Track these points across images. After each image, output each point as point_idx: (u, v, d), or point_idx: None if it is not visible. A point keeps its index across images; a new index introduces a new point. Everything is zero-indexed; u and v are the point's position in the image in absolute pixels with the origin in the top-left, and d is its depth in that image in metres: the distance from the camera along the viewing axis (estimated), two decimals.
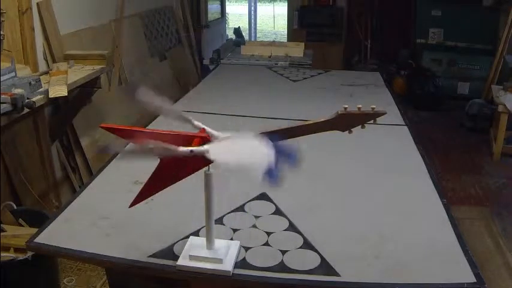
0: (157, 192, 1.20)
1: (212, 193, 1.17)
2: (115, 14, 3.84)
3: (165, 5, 5.05)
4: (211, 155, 1.05)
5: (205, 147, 1.07)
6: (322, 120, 1.11)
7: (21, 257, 2.04)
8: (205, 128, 1.15)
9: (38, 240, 1.31)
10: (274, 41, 7.26)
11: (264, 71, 3.46)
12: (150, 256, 1.23)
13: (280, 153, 1.02)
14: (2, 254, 2.03)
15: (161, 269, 1.20)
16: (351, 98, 2.72)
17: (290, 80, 3.17)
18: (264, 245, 1.30)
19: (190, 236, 1.30)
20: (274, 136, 1.07)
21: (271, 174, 0.99)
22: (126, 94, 1.01)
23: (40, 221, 1.94)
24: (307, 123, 1.12)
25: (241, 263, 1.21)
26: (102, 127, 1.14)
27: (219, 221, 1.40)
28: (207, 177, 1.16)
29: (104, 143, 3.27)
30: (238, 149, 1.05)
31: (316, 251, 1.27)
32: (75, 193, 1.69)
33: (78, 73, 2.65)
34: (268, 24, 13.87)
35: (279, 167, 1.01)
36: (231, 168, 0.99)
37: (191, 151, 1.07)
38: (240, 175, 1.13)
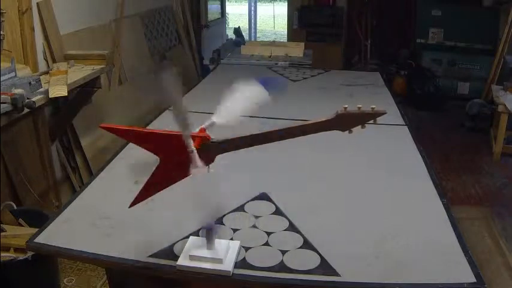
0: (157, 192, 1.20)
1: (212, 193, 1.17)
2: (115, 14, 3.84)
3: (165, 5, 5.05)
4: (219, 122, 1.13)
5: (212, 119, 1.14)
6: (322, 120, 1.11)
7: (21, 257, 2.04)
8: (203, 126, 1.15)
9: (38, 240, 1.31)
10: (274, 41, 7.26)
11: (264, 71, 3.45)
12: (150, 256, 1.23)
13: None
14: (2, 254, 2.03)
15: (161, 269, 1.20)
16: (351, 98, 2.72)
17: (290, 80, 3.17)
18: (264, 245, 1.30)
19: (190, 236, 1.30)
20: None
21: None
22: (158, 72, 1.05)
23: (40, 221, 1.94)
24: (307, 123, 1.12)
25: (241, 263, 1.21)
26: (102, 127, 1.14)
27: (219, 221, 1.40)
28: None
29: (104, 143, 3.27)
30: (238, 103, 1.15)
31: (316, 251, 1.27)
32: (75, 193, 1.69)
33: (78, 73, 2.65)
34: (268, 24, 13.87)
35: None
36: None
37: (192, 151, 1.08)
38: (241, 175, 1.14)
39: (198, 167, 1.08)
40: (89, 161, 3.16)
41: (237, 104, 1.16)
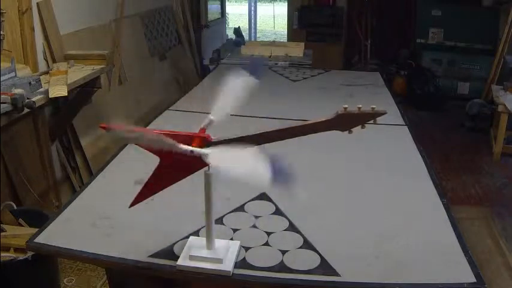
0: (157, 192, 1.20)
1: (212, 193, 1.17)
2: (115, 14, 3.84)
3: (165, 5, 5.05)
4: (210, 160, 1.07)
5: (206, 150, 1.08)
6: (322, 120, 1.11)
7: (21, 257, 2.04)
8: (202, 125, 1.15)
9: (38, 240, 1.31)
10: (274, 41, 7.25)
11: (264, 71, 3.45)
12: (150, 256, 1.23)
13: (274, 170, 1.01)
14: (2, 254, 2.03)
15: (161, 269, 1.20)
16: (350, 98, 2.72)
17: (290, 80, 3.17)
18: (264, 245, 1.30)
19: (190, 236, 1.30)
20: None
21: (280, 174, 0.99)
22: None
23: (40, 221, 1.94)
24: (307, 123, 1.12)
25: (241, 263, 1.21)
26: (102, 127, 1.14)
27: (219, 221, 1.40)
28: (207, 177, 1.16)
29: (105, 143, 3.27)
30: (238, 159, 1.03)
31: (316, 251, 1.27)
32: (75, 193, 1.69)
33: (78, 73, 2.65)
34: (268, 24, 13.87)
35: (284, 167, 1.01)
36: (230, 176, 0.99)
37: (191, 151, 1.08)
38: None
39: (208, 158, 1.07)
40: (89, 161, 3.16)
41: (228, 99, 1.17)
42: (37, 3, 2.76)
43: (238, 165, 1.00)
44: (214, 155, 1.08)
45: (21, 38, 2.59)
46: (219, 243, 1.24)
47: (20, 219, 2.28)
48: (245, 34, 9.45)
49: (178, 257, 1.22)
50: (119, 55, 3.72)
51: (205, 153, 1.08)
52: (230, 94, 1.19)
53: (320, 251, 1.26)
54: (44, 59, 2.86)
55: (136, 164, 1.49)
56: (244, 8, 12.86)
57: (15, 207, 2.35)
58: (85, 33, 3.33)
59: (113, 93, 3.61)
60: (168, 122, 2.19)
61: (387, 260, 1.23)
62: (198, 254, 1.20)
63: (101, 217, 1.41)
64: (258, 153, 1.02)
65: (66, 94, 2.29)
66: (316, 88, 2.95)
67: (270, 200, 1.53)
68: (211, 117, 1.18)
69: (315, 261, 1.23)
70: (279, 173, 0.99)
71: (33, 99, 2.15)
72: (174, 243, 1.28)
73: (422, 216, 1.46)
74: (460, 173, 3.90)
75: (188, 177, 1.17)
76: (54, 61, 2.87)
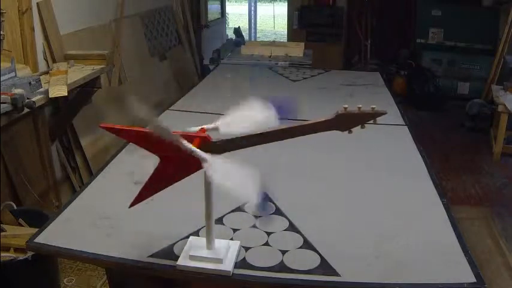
0: (157, 192, 1.20)
1: (212, 193, 1.17)
2: (115, 14, 3.84)
3: (165, 5, 5.05)
4: (207, 167, 1.07)
5: (207, 156, 1.08)
6: (322, 120, 1.11)
7: (21, 257, 2.04)
8: (205, 126, 1.15)
9: (38, 240, 1.31)
10: (274, 41, 7.25)
11: (264, 71, 3.45)
12: (150, 256, 1.23)
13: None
14: (2, 254, 2.03)
15: (161, 269, 1.20)
16: (351, 98, 2.72)
17: (290, 80, 3.17)
18: (264, 245, 1.30)
19: (190, 236, 1.30)
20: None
21: (261, 205, 1.04)
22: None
23: (40, 221, 1.94)
24: (307, 123, 1.12)
25: (241, 263, 1.21)
26: (102, 127, 1.14)
27: (219, 221, 1.40)
28: (207, 178, 1.16)
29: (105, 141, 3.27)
30: (233, 174, 1.05)
31: (316, 251, 1.27)
32: (75, 193, 1.69)
33: (78, 73, 2.65)
34: (268, 24, 13.87)
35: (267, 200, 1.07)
36: (222, 188, 1.02)
37: (192, 151, 1.08)
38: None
39: (206, 163, 1.07)
40: (89, 161, 3.16)
41: (243, 121, 1.15)
42: (37, 3, 2.76)
43: (231, 179, 1.02)
44: (213, 163, 1.07)
45: (21, 38, 2.59)
46: (219, 243, 1.24)
47: (20, 219, 2.28)
48: (245, 34, 9.46)
49: (178, 257, 1.22)
50: (119, 55, 3.73)
51: (204, 158, 1.07)
52: (248, 117, 1.16)
53: (320, 251, 1.26)
54: (44, 59, 2.87)
55: (136, 164, 1.48)
56: (244, 8, 12.86)
57: (15, 207, 2.35)
58: (85, 33, 3.33)
59: (113, 93, 3.61)
60: (168, 122, 2.18)
61: (387, 260, 1.23)
62: (198, 254, 1.20)
63: (101, 217, 1.41)
64: (254, 175, 1.04)
65: (66, 94, 2.29)
66: (316, 88, 2.95)
67: (270, 200, 1.53)
68: (218, 125, 1.17)
69: (315, 261, 1.23)
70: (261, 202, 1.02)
71: (33, 99, 2.15)
72: (174, 243, 1.28)
73: (422, 216, 1.46)
74: (460, 173, 3.90)
75: (188, 177, 1.17)
76: (54, 61, 2.87)
